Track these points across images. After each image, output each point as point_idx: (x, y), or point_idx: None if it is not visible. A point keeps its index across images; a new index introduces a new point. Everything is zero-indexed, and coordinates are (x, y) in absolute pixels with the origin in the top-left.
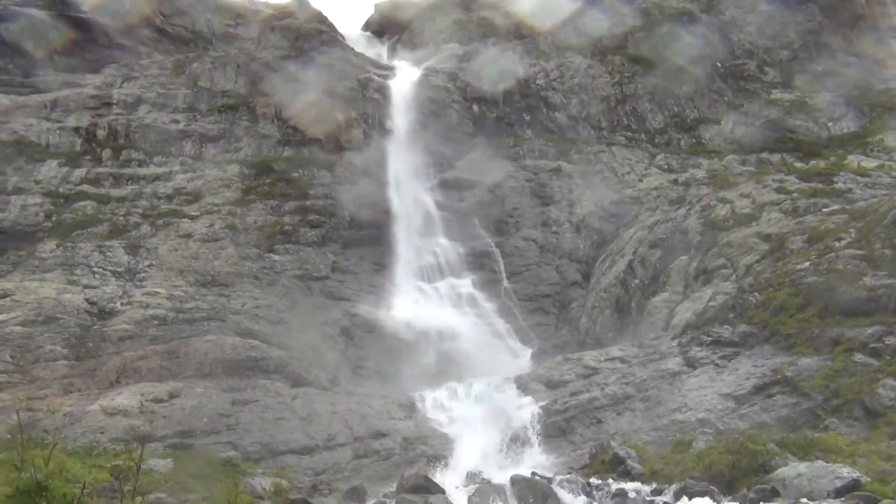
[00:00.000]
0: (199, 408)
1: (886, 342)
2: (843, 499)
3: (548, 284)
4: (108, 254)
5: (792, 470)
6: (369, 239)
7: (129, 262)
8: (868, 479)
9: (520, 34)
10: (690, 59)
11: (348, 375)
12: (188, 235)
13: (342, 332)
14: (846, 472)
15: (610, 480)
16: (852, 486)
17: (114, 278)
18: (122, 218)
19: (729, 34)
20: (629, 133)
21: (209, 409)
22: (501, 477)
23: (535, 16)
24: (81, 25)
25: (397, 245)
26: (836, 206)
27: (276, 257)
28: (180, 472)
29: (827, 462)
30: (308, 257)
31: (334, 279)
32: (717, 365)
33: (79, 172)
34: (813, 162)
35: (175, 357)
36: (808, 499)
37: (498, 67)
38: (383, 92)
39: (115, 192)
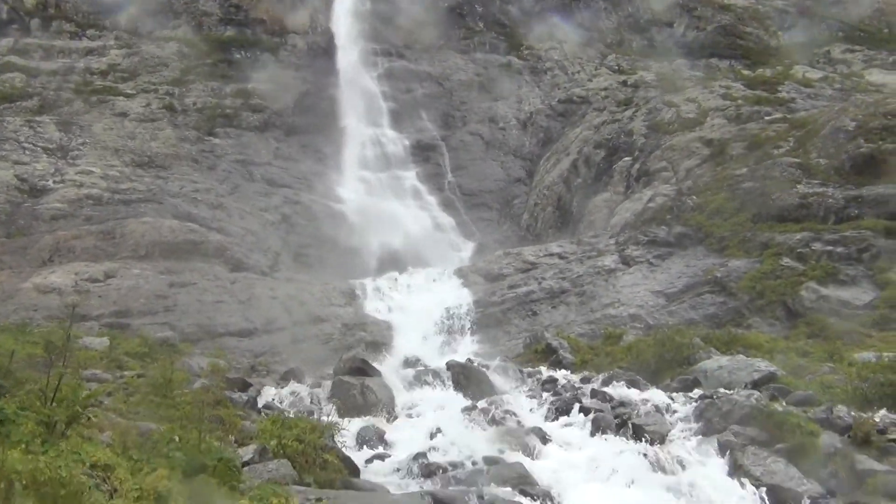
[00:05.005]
0: (136, 288)
1: (813, 247)
2: (758, 390)
3: (492, 180)
4: (39, 129)
5: (713, 363)
6: (313, 127)
7: (61, 139)
8: (783, 373)
9: None
10: None
11: (289, 262)
12: (123, 114)
13: (283, 219)
14: (763, 366)
15: (542, 369)
16: (768, 379)
17: (45, 155)
18: (53, 93)
19: None
20: (582, 31)
21: (146, 290)
22: (438, 363)
23: None
24: None
25: (342, 134)
26: (778, 115)
27: (217, 141)
28: (116, 350)
29: (747, 357)
30: (250, 142)
31: (276, 166)
32: (651, 264)
33: (6, 42)
34: (760, 70)
35: (111, 238)
36: (726, 389)
37: None
38: None
39: (46, 65)
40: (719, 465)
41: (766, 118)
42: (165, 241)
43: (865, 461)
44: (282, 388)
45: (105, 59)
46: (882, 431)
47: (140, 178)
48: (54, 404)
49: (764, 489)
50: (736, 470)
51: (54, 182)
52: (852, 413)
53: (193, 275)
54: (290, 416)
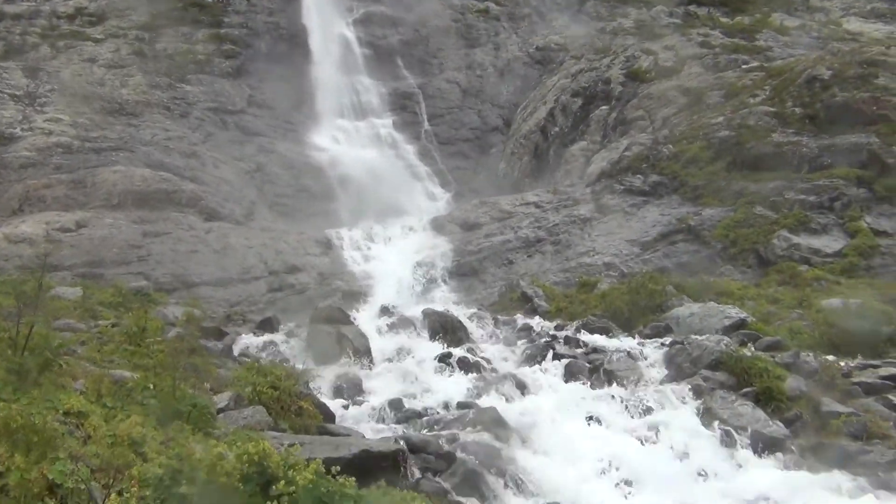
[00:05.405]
0: (109, 238)
1: (786, 196)
2: (729, 336)
3: (469, 129)
4: (5, 75)
5: (686, 310)
6: (288, 74)
7: (27, 86)
8: (753, 319)
9: None
10: None
11: (264, 212)
12: (92, 60)
13: (258, 168)
14: (734, 313)
15: (517, 317)
16: (739, 325)
17: (12, 102)
18: (18, 37)
19: None
20: None
21: (119, 239)
22: (414, 312)
23: None
24: None
25: (317, 81)
26: (755, 63)
27: (189, 88)
28: (89, 300)
29: (719, 304)
30: (222, 89)
31: (250, 113)
32: (626, 213)
33: None
34: (738, 18)
35: (82, 187)
36: (697, 335)
37: None
38: None
39: (9, 9)
40: (689, 408)
41: (744, 66)
42: (138, 190)
43: (830, 403)
44: (258, 336)
45: (71, 3)
46: (846, 375)
47: (111, 125)
48: (26, 353)
49: (731, 431)
50: (704, 413)
51: (22, 130)
52: (818, 358)
53: (167, 224)
54: (266, 363)
